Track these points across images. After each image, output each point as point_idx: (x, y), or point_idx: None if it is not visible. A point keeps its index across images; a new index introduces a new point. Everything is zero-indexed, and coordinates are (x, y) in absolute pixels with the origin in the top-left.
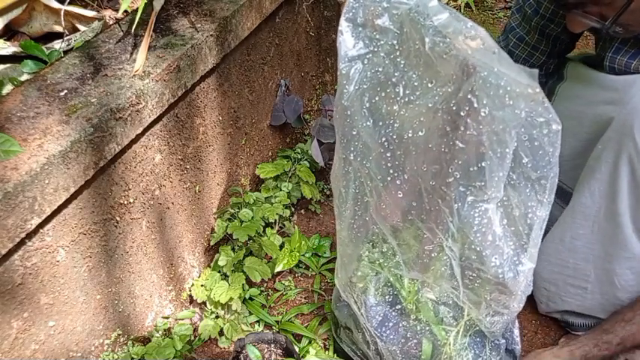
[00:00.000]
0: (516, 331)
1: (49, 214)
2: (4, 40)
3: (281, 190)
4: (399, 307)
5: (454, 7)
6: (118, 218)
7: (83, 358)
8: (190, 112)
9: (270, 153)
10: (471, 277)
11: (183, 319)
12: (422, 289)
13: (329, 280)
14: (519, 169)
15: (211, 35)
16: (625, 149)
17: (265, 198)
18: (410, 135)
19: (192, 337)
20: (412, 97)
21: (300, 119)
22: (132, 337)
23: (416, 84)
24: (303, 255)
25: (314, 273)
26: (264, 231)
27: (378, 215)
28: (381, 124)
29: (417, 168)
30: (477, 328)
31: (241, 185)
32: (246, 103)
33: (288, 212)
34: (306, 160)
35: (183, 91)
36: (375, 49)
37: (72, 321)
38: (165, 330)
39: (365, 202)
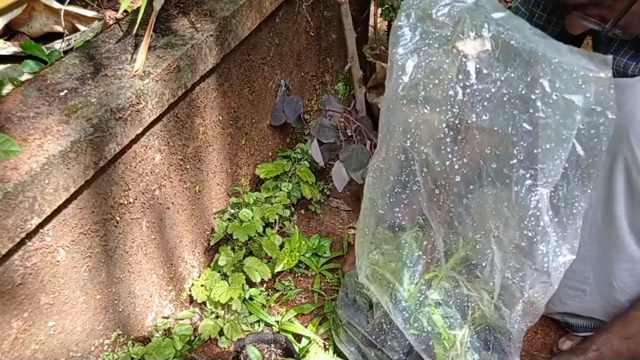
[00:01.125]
0: None
1: (49, 214)
2: (4, 40)
3: (281, 190)
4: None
5: None
6: (118, 218)
7: (83, 358)
8: (190, 112)
9: (270, 153)
10: (514, 270)
11: (183, 319)
12: (426, 290)
13: (329, 280)
14: (572, 157)
15: (211, 35)
16: (620, 153)
17: (265, 198)
18: (474, 119)
19: (192, 337)
20: (467, 82)
21: (300, 119)
22: (132, 337)
23: (470, 69)
24: (303, 255)
25: (314, 273)
26: (264, 231)
27: (429, 203)
28: (438, 110)
29: (480, 151)
30: (479, 328)
31: (241, 185)
32: (246, 103)
33: (288, 212)
34: (306, 160)
35: (183, 91)
36: (430, 42)
37: (72, 321)
38: (165, 330)
39: (414, 190)
